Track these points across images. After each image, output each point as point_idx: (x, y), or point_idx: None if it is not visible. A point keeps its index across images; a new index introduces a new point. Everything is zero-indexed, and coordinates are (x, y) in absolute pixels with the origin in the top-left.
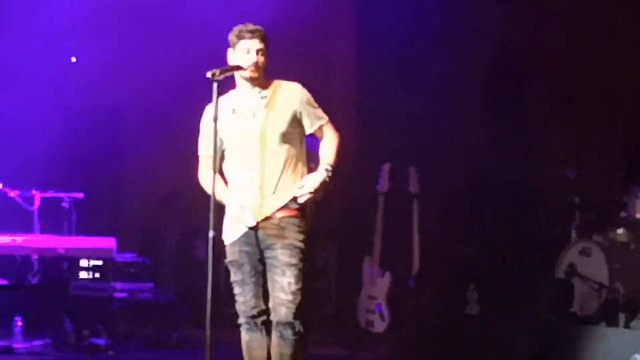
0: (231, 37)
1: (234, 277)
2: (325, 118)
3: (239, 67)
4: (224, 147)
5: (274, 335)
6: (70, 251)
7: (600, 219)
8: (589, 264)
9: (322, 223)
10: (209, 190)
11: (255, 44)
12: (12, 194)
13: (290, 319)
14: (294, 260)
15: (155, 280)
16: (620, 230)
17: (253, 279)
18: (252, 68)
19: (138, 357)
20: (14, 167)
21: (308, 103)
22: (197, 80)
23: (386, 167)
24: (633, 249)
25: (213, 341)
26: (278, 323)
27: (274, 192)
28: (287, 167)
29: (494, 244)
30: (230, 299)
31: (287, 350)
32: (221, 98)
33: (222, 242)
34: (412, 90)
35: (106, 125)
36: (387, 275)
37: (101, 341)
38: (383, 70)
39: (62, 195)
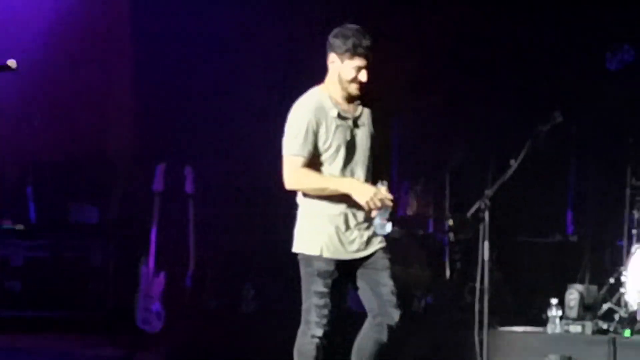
0: (341, 45)
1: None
2: None
3: None
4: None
5: None
6: None
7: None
8: None
9: (101, 223)
10: None
11: (366, 63)
12: None
13: None
14: None
15: None
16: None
17: None
18: (359, 87)
19: None
20: None
21: None
22: None
23: (161, 167)
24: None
25: None
26: None
27: None
28: None
29: (268, 241)
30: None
31: None
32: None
33: None
34: (192, 90)
35: None
36: (162, 274)
37: None
38: (161, 70)
39: None
